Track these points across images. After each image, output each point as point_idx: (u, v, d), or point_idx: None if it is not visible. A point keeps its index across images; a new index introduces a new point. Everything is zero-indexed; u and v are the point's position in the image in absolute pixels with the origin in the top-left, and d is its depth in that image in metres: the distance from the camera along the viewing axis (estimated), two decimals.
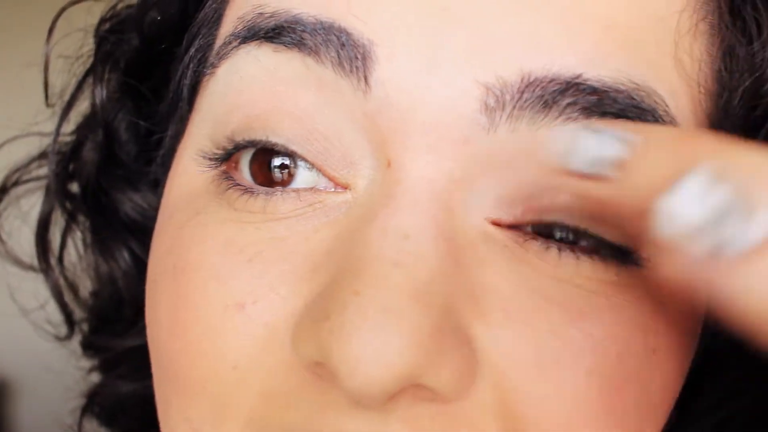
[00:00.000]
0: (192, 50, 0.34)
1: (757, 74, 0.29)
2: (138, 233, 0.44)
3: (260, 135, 0.29)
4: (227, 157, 0.30)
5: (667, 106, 0.27)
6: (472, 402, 0.26)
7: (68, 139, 0.45)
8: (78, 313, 0.48)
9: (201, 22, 0.34)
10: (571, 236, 0.27)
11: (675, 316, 0.28)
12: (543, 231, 0.27)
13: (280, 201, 0.28)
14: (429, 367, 0.24)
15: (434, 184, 0.26)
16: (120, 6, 0.41)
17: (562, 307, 0.26)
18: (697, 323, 0.30)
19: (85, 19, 0.42)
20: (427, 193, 0.26)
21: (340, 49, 0.27)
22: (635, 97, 0.26)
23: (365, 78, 0.27)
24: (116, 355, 0.47)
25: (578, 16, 0.26)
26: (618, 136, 0.22)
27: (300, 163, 0.29)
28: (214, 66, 0.31)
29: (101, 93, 0.41)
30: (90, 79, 0.42)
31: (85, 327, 0.49)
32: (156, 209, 0.43)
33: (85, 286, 0.48)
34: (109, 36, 0.40)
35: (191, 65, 0.34)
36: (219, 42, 0.32)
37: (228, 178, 0.30)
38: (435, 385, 0.25)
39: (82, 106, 0.44)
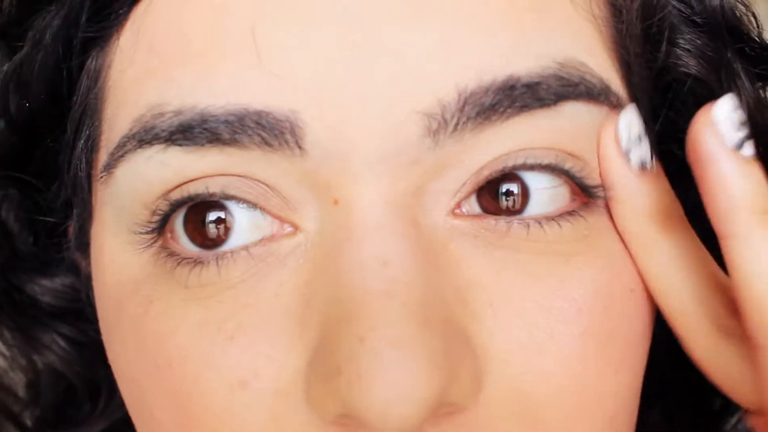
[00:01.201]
0: (81, 142, 0.32)
1: None
2: (64, 317, 0.42)
3: (188, 191, 0.27)
4: (162, 226, 0.29)
5: (591, 70, 0.28)
6: (486, 403, 0.26)
7: None
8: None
9: (82, 109, 0.32)
10: (518, 200, 0.28)
11: None
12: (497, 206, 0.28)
13: (231, 264, 0.27)
14: (451, 385, 0.24)
15: (392, 204, 0.26)
16: None
17: (543, 280, 0.27)
18: None
19: None
20: (388, 214, 0.26)
21: (262, 132, 0.26)
22: (564, 76, 0.27)
23: (298, 146, 0.26)
24: None
25: (485, 11, 0.27)
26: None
27: (237, 208, 0.28)
28: (110, 167, 0.29)
29: None
30: None
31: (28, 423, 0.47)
32: (74, 288, 0.41)
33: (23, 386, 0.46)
34: None
35: (84, 156, 0.32)
36: (111, 138, 0.29)
37: (170, 254, 0.28)
38: (457, 399, 0.25)
39: None
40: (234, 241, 0.28)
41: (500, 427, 0.26)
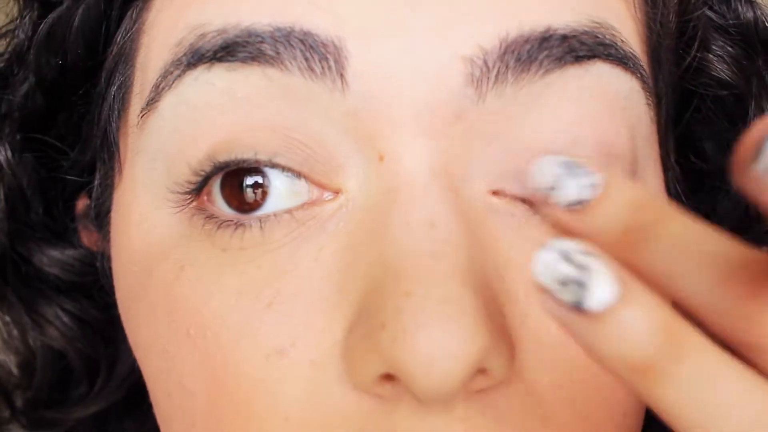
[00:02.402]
0: (113, 89, 0.32)
1: None
2: (69, 292, 0.41)
3: (236, 154, 0.27)
4: (199, 189, 0.28)
5: (622, 36, 0.28)
6: (514, 390, 0.26)
7: None
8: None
9: (117, 57, 0.32)
10: None
11: None
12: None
13: (276, 226, 0.27)
14: (493, 349, 0.24)
15: (436, 167, 0.26)
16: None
17: None
18: None
19: None
20: (434, 177, 0.26)
21: (307, 53, 0.26)
22: (598, 35, 0.28)
23: (341, 76, 0.26)
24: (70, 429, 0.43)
25: None
26: (591, 182, 0.22)
27: (276, 175, 0.27)
28: (153, 101, 0.29)
29: (4, 153, 0.37)
30: None
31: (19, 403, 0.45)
32: (83, 262, 0.40)
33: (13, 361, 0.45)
34: None
35: (116, 105, 0.32)
36: (148, 74, 0.30)
37: (208, 216, 0.28)
38: (497, 366, 0.25)
39: None
40: (270, 206, 0.28)
41: (523, 415, 0.26)
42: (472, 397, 0.25)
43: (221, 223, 0.28)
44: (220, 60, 0.27)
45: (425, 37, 0.26)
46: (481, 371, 0.25)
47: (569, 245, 0.20)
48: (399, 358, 0.23)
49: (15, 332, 0.43)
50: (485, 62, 0.26)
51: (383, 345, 0.24)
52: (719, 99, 0.34)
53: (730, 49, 0.33)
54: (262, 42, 0.26)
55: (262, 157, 0.27)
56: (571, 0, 0.28)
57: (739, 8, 0.34)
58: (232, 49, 0.27)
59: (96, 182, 0.35)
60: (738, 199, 0.35)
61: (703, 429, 0.19)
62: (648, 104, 0.30)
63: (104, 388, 0.42)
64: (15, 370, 0.44)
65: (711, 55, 0.33)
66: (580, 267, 0.20)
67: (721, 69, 0.33)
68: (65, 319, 0.41)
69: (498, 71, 0.26)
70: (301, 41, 0.26)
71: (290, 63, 0.26)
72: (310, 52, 0.26)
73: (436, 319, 0.23)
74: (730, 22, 0.33)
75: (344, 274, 0.26)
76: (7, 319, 0.42)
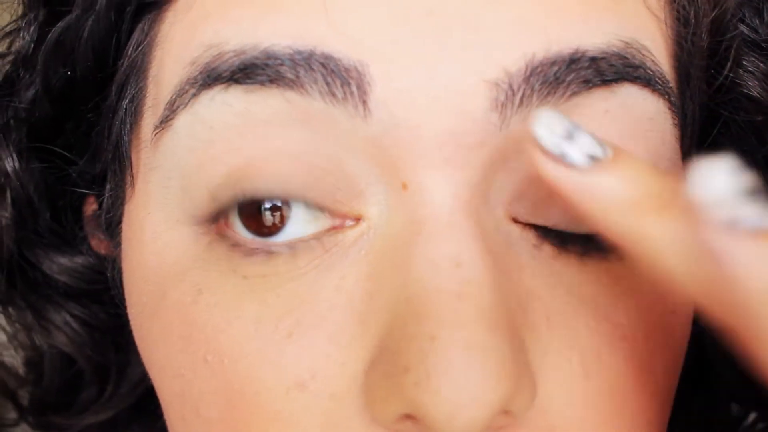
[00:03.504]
0: (125, 102, 0.31)
1: (719, 7, 0.30)
2: (79, 298, 0.41)
3: (261, 185, 0.26)
4: (217, 216, 0.27)
5: (653, 56, 0.27)
6: (535, 423, 0.25)
7: None
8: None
9: (128, 69, 0.30)
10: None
11: None
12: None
13: (304, 252, 0.26)
14: (516, 392, 0.24)
15: (459, 198, 0.25)
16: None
17: (591, 302, 0.27)
18: None
19: None
20: (459, 210, 0.25)
21: (329, 77, 0.25)
22: (627, 56, 0.27)
23: (363, 102, 0.25)
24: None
25: None
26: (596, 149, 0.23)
27: (295, 202, 0.27)
28: (168, 119, 0.28)
29: (11, 161, 0.36)
30: None
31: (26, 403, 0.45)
32: (94, 270, 0.39)
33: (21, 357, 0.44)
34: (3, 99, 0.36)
35: (128, 119, 0.31)
36: (162, 89, 0.29)
37: (235, 244, 0.27)
38: (519, 407, 0.24)
39: None
40: (291, 230, 0.27)
41: None
42: None
43: (248, 251, 0.27)
44: (237, 81, 0.26)
45: (449, 62, 0.25)
46: (504, 412, 0.24)
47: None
48: (422, 402, 0.23)
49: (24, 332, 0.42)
50: (510, 85, 0.25)
51: (406, 388, 0.23)
52: (749, 118, 0.33)
53: (761, 65, 0.32)
54: (281, 64, 0.25)
55: (291, 192, 0.26)
56: (600, 19, 0.27)
57: None
58: (250, 71, 0.26)
59: (107, 193, 0.34)
60: None
61: None
62: (674, 125, 0.29)
63: (114, 395, 0.42)
64: (22, 367, 0.44)
65: (742, 71, 0.32)
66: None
67: (752, 86, 0.32)
68: (74, 324, 0.40)
69: (523, 94, 0.25)
70: (323, 65, 0.25)
71: (311, 87, 0.25)
72: (332, 76, 0.25)
73: (460, 365, 0.23)
74: (763, 37, 0.32)
75: (366, 306, 0.25)
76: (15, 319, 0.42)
